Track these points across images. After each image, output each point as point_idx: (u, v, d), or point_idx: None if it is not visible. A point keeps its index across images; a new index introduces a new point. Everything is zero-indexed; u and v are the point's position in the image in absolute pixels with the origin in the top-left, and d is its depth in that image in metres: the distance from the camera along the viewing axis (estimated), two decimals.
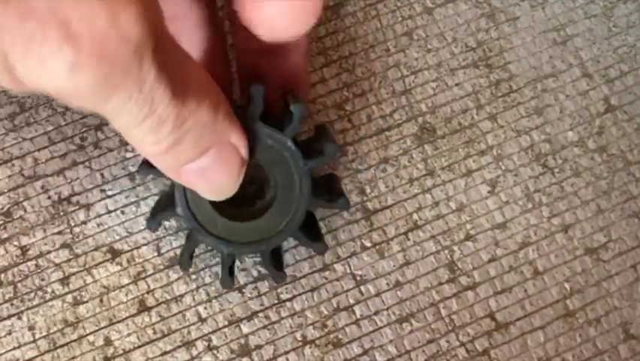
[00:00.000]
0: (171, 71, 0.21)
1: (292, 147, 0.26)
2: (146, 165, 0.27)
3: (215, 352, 0.31)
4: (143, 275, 0.32)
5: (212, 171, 0.24)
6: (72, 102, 0.20)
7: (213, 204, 0.27)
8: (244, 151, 0.25)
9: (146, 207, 0.32)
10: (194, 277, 0.32)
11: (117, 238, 0.32)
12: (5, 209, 0.32)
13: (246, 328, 0.31)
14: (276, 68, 0.28)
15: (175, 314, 0.31)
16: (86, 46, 0.18)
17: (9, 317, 0.31)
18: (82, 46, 0.18)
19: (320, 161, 0.27)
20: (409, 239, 0.32)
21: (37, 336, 0.31)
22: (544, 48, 0.34)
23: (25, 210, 0.32)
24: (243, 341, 0.31)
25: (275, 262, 0.29)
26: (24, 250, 0.32)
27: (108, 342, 0.31)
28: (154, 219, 0.28)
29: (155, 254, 0.32)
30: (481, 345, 0.31)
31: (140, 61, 0.19)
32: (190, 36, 0.27)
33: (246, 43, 0.27)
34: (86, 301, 0.31)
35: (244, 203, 0.28)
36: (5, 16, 0.18)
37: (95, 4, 0.18)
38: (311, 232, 0.29)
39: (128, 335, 0.31)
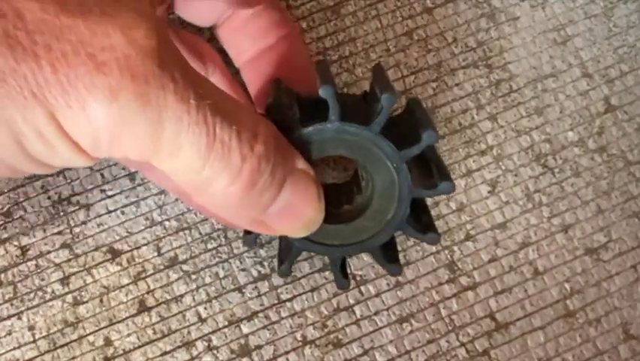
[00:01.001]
0: (201, 87, 0.20)
1: (381, 139, 0.25)
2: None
3: (215, 352, 0.31)
4: (143, 275, 0.32)
5: (296, 205, 0.23)
6: (128, 151, 0.20)
7: None
8: (313, 172, 0.24)
9: (146, 207, 0.32)
10: (194, 277, 0.32)
11: (117, 238, 0.32)
12: (5, 209, 0.32)
13: (246, 328, 0.31)
14: (280, 67, 0.28)
15: (175, 314, 0.31)
16: (115, 69, 0.18)
17: (9, 317, 0.31)
18: (112, 70, 0.18)
19: (416, 149, 0.25)
20: (409, 239, 0.32)
21: (37, 336, 0.31)
22: (544, 48, 0.34)
23: (25, 210, 0.32)
24: (243, 341, 0.31)
25: (389, 254, 0.28)
26: (24, 250, 0.32)
27: (108, 342, 0.31)
28: (250, 236, 0.27)
29: (155, 254, 0.32)
30: (481, 345, 0.31)
31: (169, 72, 0.19)
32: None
33: (243, 55, 0.28)
34: (86, 302, 0.31)
35: (340, 204, 0.27)
36: (42, 73, 0.18)
37: (108, 27, 0.19)
38: (421, 222, 0.27)
39: (128, 335, 0.31)
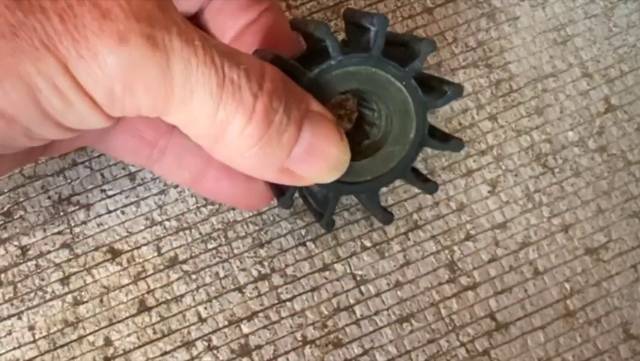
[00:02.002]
0: (203, 34, 0.21)
1: (384, 62, 0.25)
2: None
3: (215, 352, 0.31)
4: (143, 275, 0.32)
5: (319, 146, 0.23)
6: (142, 102, 0.20)
7: None
8: (330, 114, 0.24)
9: (146, 207, 0.32)
10: (194, 277, 0.32)
11: (117, 238, 0.32)
12: (5, 209, 0.32)
13: (246, 328, 0.31)
14: (265, 39, 0.27)
15: (175, 314, 0.31)
16: (120, 14, 0.19)
17: (9, 317, 0.31)
18: (117, 16, 0.19)
19: (418, 62, 0.26)
20: (409, 239, 0.32)
21: (37, 336, 0.31)
22: (544, 48, 0.34)
23: (25, 210, 0.32)
24: (243, 341, 0.31)
25: (421, 175, 0.28)
26: (24, 250, 0.32)
27: (108, 342, 0.31)
28: (285, 196, 0.26)
29: (155, 254, 0.32)
30: (481, 345, 0.31)
31: (170, 16, 0.20)
32: None
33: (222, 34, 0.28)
34: (86, 301, 0.31)
35: (359, 141, 0.27)
36: (52, 24, 0.18)
37: None
38: (439, 136, 0.28)
39: (128, 335, 0.31)
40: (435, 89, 0.27)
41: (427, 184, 0.28)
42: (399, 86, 0.26)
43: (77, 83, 0.19)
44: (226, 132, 0.21)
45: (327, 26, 0.25)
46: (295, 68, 0.25)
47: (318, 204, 0.28)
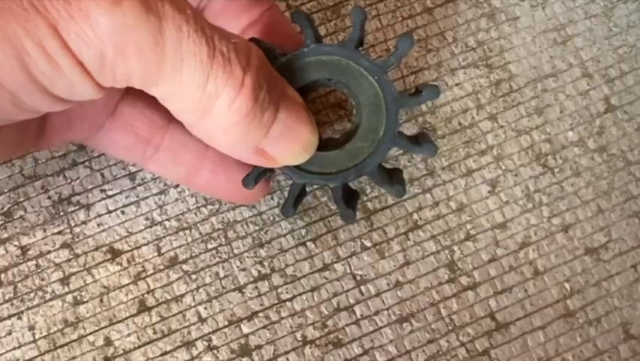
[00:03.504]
0: (197, 14, 0.21)
1: (359, 55, 0.25)
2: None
3: (215, 352, 0.31)
4: (143, 275, 0.32)
5: (292, 127, 0.23)
6: (133, 68, 0.20)
7: None
8: (300, 99, 0.24)
9: (146, 207, 0.32)
10: (194, 277, 0.32)
11: (117, 238, 0.32)
12: (5, 209, 0.32)
13: (246, 328, 0.31)
14: (266, 37, 0.28)
15: (175, 314, 0.31)
16: None
17: (9, 316, 0.31)
18: None
19: (393, 58, 0.26)
20: (409, 239, 0.32)
21: (37, 336, 0.31)
22: (544, 48, 0.34)
23: (26, 210, 0.32)
24: (243, 341, 0.31)
25: (391, 176, 0.28)
26: (24, 250, 0.32)
27: (108, 342, 0.31)
28: (249, 176, 0.27)
29: (155, 254, 0.32)
30: (481, 345, 0.31)
31: None
32: None
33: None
34: (86, 301, 0.31)
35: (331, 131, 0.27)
36: None
37: None
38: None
39: (128, 335, 0.31)
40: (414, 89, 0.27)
41: (395, 187, 0.28)
42: (371, 80, 0.26)
43: (67, 47, 0.19)
44: (214, 106, 0.21)
45: (304, 14, 0.25)
46: (270, 51, 0.25)
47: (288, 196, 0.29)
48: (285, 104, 0.23)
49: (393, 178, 0.28)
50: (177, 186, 0.32)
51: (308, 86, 0.27)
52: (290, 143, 0.24)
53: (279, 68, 0.25)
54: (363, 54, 0.26)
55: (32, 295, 0.31)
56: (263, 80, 0.22)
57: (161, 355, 0.31)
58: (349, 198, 0.28)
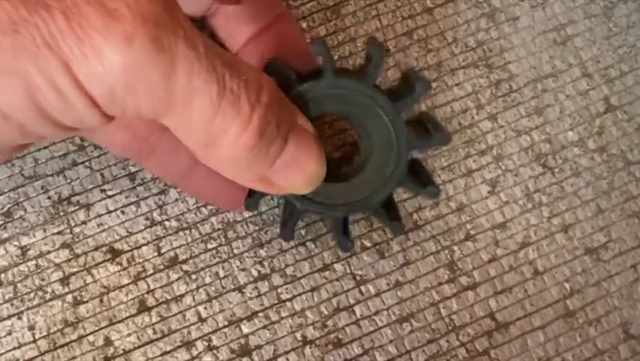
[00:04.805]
0: (207, 41, 0.21)
1: (376, 93, 0.25)
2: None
3: (215, 352, 0.31)
4: (143, 275, 0.32)
5: (300, 159, 0.24)
6: (143, 102, 0.20)
7: None
8: (312, 129, 0.24)
9: (146, 207, 0.32)
10: (194, 277, 0.32)
11: (117, 238, 0.32)
12: (5, 209, 0.32)
13: (246, 328, 0.31)
14: (276, 46, 0.28)
15: (175, 314, 0.31)
16: (127, 14, 0.19)
17: (9, 317, 0.31)
18: (124, 16, 0.19)
19: (410, 100, 0.26)
20: (409, 239, 0.32)
21: (37, 336, 0.31)
22: (544, 48, 0.34)
23: (26, 210, 0.32)
24: (243, 341, 0.31)
25: (391, 212, 0.28)
26: (24, 250, 0.32)
27: (108, 342, 0.31)
28: (253, 198, 0.27)
29: (155, 254, 0.32)
30: (481, 345, 0.31)
31: (176, 19, 0.20)
32: None
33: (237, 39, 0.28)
34: (86, 301, 0.31)
35: (340, 162, 0.27)
36: (55, 22, 0.18)
37: None
38: (418, 177, 0.28)
39: (128, 335, 0.31)
40: (426, 130, 0.27)
41: (394, 223, 0.27)
42: (385, 119, 0.26)
43: (78, 82, 0.19)
44: (220, 140, 0.21)
45: (323, 43, 0.25)
46: (286, 78, 0.25)
47: (284, 218, 0.28)
48: (294, 136, 0.23)
49: (391, 213, 0.28)
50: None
51: (320, 116, 0.27)
52: (295, 175, 0.24)
53: (293, 97, 0.25)
54: (381, 92, 0.26)
55: (32, 295, 0.31)
56: (272, 116, 0.22)
57: (161, 355, 0.31)
58: (347, 227, 0.28)
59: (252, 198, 0.27)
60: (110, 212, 0.32)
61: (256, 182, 0.24)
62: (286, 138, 0.23)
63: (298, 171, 0.24)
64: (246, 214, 0.32)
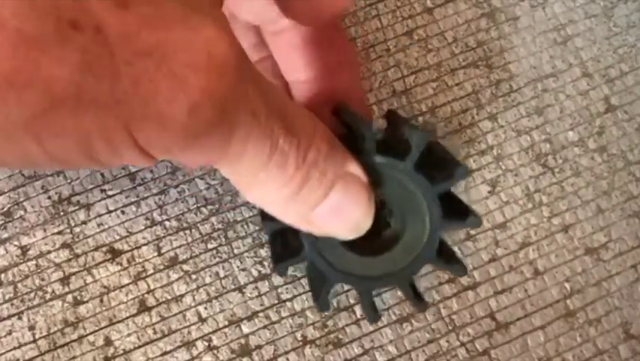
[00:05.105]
0: (270, 98, 0.21)
1: (417, 175, 0.26)
2: (268, 220, 0.26)
3: (215, 352, 0.31)
4: (143, 275, 0.32)
5: (344, 207, 0.24)
6: (195, 158, 0.20)
7: (342, 241, 0.26)
8: (365, 178, 0.24)
9: (146, 207, 0.32)
10: (194, 277, 0.32)
11: (117, 238, 0.32)
12: (5, 209, 0.32)
13: (246, 328, 0.31)
14: (336, 93, 0.28)
15: (175, 314, 0.31)
16: (195, 86, 0.18)
17: (9, 316, 0.31)
18: (192, 87, 0.18)
19: (448, 184, 0.26)
20: None
21: (37, 336, 0.31)
22: (544, 48, 0.34)
23: (26, 210, 0.32)
24: (243, 341, 0.31)
25: (415, 290, 0.28)
26: (24, 250, 0.32)
27: (108, 342, 0.31)
28: (281, 266, 0.27)
29: (155, 254, 0.32)
30: (481, 345, 0.31)
31: (244, 90, 0.20)
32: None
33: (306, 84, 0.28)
34: (86, 301, 0.31)
35: (371, 236, 0.27)
36: (122, 87, 0.18)
37: (191, 42, 0.18)
38: (445, 255, 0.28)
39: (128, 335, 0.31)
40: (457, 209, 0.27)
41: (420, 302, 0.27)
42: (422, 200, 0.26)
43: (134, 141, 0.19)
44: (262, 187, 0.22)
45: (370, 123, 0.25)
46: (353, 129, 0.25)
47: (311, 279, 0.28)
48: (342, 185, 0.24)
49: (415, 292, 0.28)
50: (177, 185, 0.32)
51: None
52: (338, 221, 0.24)
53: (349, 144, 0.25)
54: (421, 175, 0.26)
55: (32, 295, 0.31)
56: (316, 171, 0.23)
57: (161, 355, 0.31)
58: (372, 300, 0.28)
59: (281, 264, 0.27)
60: (110, 212, 0.32)
61: (298, 221, 0.24)
62: (330, 187, 0.23)
63: (342, 218, 0.24)
64: (246, 214, 0.32)
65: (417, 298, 0.27)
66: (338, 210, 0.24)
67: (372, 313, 0.28)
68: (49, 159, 0.19)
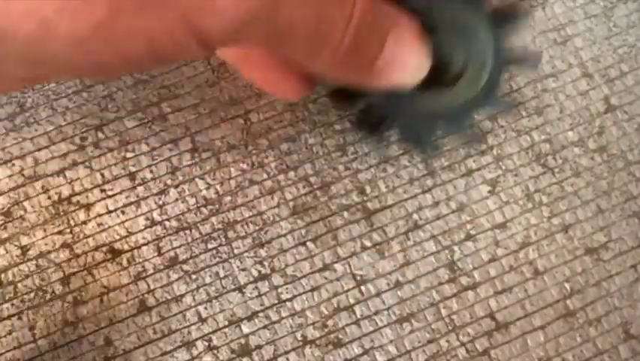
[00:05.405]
0: None
1: (484, 14, 0.26)
2: (336, 97, 0.26)
3: (215, 352, 0.31)
4: (143, 275, 0.32)
5: (400, 54, 0.25)
6: (248, 38, 0.21)
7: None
8: (416, 26, 0.25)
9: (146, 207, 0.32)
10: (194, 277, 0.32)
11: (117, 238, 0.32)
12: (5, 209, 0.32)
13: (246, 328, 0.31)
14: None
15: (175, 314, 0.31)
16: None
17: (9, 316, 0.31)
18: None
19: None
20: (409, 239, 0.32)
21: (37, 336, 0.31)
22: (544, 48, 0.34)
23: (26, 210, 0.32)
24: (243, 341, 0.31)
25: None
26: (24, 250, 0.32)
27: (108, 342, 0.31)
28: (378, 136, 0.27)
29: (155, 254, 0.32)
30: (481, 345, 0.31)
31: None
32: None
33: None
34: (86, 301, 0.31)
35: (436, 75, 0.27)
36: None
37: None
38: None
39: (128, 335, 0.31)
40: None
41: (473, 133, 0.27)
42: (485, 39, 0.26)
43: (193, 31, 0.20)
44: (321, 53, 0.23)
45: None
46: None
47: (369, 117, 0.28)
48: (396, 34, 0.24)
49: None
50: (177, 185, 0.32)
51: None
52: (398, 71, 0.25)
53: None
54: (488, 15, 0.26)
55: (32, 295, 0.31)
56: (365, 27, 0.23)
57: (161, 355, 0.31)
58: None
59: (377, 136, 0.27)
60: (110, 212, 0.32)
61: (364, 78, 0.25)
62: (385, 36, 0.24)
63: (398, 66, 0.25)
64: (246, 214, 0.32)
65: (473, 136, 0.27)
66: (395, 59, 0.25)
67: (432, 146, 0.28)
68: (122, 60, 0.20)
